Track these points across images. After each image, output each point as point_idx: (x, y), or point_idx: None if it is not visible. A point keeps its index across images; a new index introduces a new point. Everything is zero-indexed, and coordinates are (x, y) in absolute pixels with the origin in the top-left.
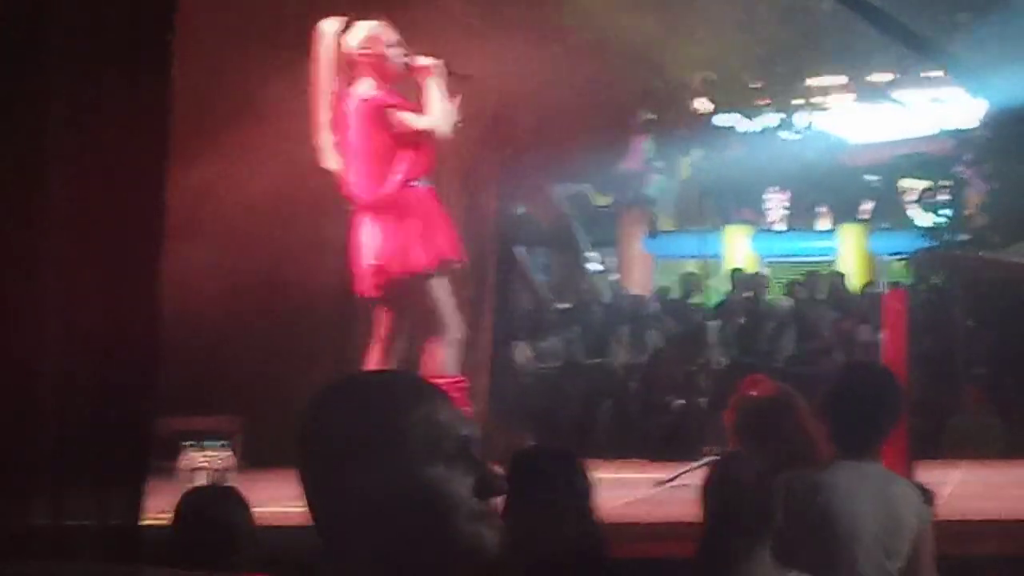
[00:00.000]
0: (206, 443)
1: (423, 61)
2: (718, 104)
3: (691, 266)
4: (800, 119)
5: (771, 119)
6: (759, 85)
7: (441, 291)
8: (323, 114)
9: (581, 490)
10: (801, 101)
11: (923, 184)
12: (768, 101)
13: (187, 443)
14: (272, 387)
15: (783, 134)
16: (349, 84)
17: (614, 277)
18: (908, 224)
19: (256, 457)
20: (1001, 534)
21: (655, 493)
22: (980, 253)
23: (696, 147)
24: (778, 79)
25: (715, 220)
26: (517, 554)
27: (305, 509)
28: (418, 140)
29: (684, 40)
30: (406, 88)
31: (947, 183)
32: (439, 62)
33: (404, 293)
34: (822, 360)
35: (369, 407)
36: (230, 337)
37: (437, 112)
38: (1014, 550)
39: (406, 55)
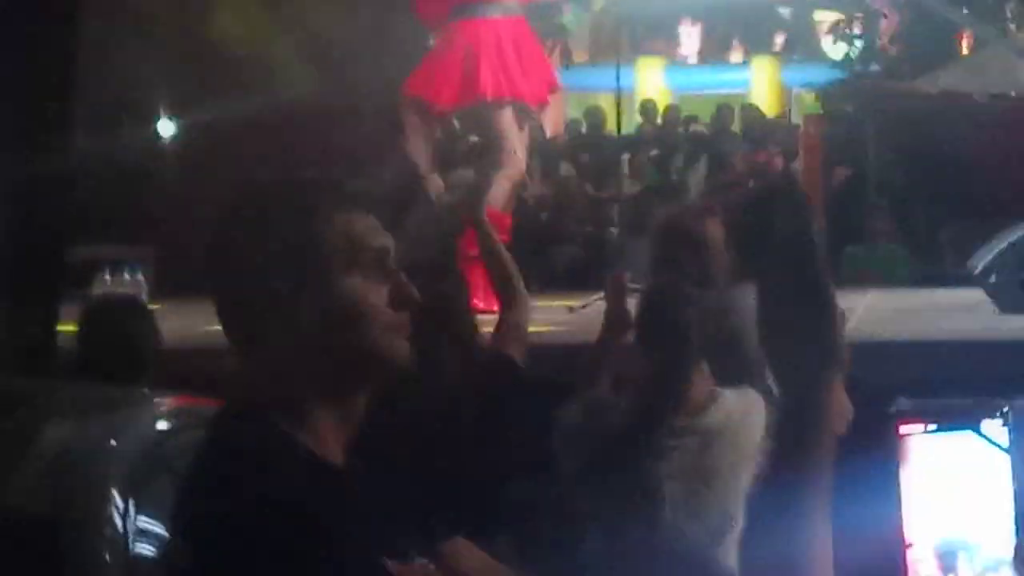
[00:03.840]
0: (119, 269)
1: None
2: None
3: (600, 99)
4: None
5: None
6: None
7: (504, 124)
8: None
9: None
10: None
11: (836, 16)
12: None
13: (101, 270)
14: (185, 217)
15: None
16: None
17: None
18: (821, 56)
19: (170, 287)
20: (908, 354)
21: (569, 319)
22: (892, 83)
23: None
24: None
25: (628, 53)
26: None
27: (218, 328)
28: None
29: None
30: None
31: (860, 14)
32: None
33: (472, 122)
34: (734, 191)
35: (286, 213)
36: (143, 168)
37: None
38: (918, 371)
39: None
